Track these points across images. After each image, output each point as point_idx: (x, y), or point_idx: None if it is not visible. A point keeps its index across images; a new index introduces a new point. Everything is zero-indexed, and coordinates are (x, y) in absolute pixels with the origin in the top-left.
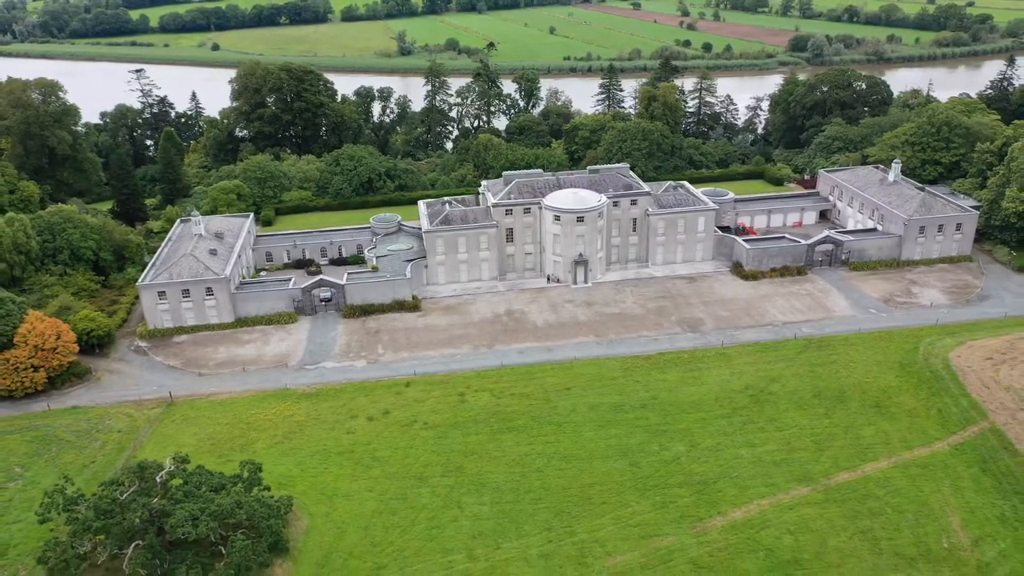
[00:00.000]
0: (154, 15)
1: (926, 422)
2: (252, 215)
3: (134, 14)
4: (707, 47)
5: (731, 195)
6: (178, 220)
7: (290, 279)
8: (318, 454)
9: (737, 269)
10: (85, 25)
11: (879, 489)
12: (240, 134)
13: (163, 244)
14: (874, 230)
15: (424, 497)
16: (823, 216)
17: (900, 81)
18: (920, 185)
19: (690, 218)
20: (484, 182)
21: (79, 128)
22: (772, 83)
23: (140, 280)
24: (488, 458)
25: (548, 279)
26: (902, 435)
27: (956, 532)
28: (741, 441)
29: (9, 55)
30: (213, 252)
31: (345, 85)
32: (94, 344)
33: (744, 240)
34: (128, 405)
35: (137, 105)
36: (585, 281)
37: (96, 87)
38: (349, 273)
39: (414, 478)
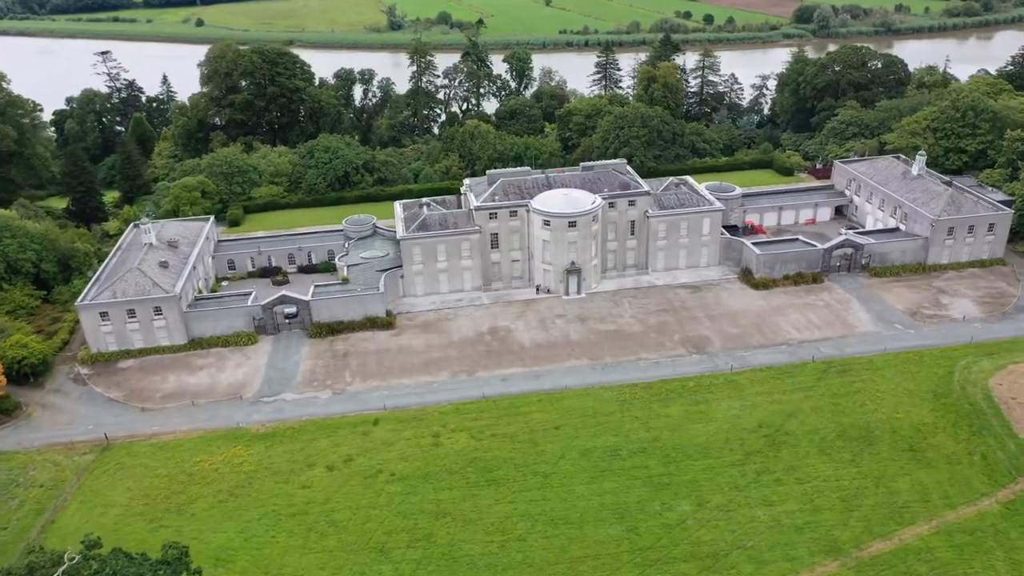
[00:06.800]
0: None
1: (969, 471)
2: (212, 219)
3: None
4: (708, 19)
5: (738, 190)
6: (130, 225)
7: (251, 294)
8: (266, 516)
9: (746, 276)
10: (67, 0)
11: (921, 565)
12: (213, 121)
13: (111, 254)
14: (896, 230)
15: None
16: (838, 212)
17: (911, 54)
18: (947, 179)
19: (694, 220)
20: (466, 181)
21: (27, 120)
22: (777, 58)
23: (79, 300)
24: (463, 521)
25: (537, 290)
26: (942, 488)
27: None
28: (756, 497)
29: None
30: (164, 264)
31: (333, 62)
32: (27, 373)
33: (754, 243)
34: (57, 450)
35: (105, 89)
36: (578, 292)
37: (73, 66)
38: (316, 286)
39: (375, 550)
